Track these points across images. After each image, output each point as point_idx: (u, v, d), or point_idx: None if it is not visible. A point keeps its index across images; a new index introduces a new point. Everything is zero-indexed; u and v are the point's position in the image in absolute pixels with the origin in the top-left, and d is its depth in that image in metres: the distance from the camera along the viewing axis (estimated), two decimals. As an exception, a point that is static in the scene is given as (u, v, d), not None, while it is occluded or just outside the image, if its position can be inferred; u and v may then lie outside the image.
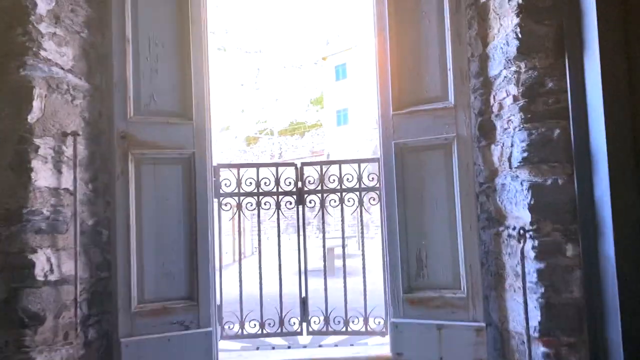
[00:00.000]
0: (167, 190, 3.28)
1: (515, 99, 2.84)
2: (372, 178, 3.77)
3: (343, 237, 3.97)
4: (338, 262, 9.26)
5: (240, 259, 3.89)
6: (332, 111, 30.67)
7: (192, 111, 3.34)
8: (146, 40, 3.27)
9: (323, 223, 3.87)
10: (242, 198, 3.83)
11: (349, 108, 29.64)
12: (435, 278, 3.19)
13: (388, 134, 3.34)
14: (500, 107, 3.01)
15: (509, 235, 2.94)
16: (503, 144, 2.98)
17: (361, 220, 3.88)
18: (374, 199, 3.79)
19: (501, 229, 3.03)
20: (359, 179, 3.81)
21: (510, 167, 2.89)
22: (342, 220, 3.93)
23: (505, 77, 2.93)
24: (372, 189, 3.77)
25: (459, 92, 3.16)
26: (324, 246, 3.98)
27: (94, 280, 3.12)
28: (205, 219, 3.32)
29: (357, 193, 3.82)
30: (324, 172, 3.88)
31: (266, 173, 3.92)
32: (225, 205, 3.80)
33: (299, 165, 3.94)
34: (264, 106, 52.46)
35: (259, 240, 3.89)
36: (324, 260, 3.97)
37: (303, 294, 3.84)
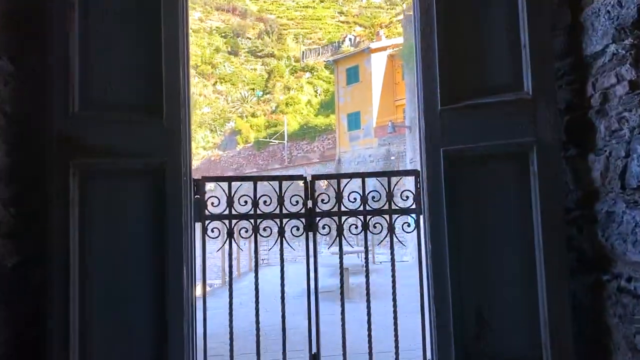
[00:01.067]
0: (127, 215, 2.35)
1: (633, 86, 1.88)
2: (407, 197, 2.81)
3: (367, 276, 3.01)
4: (352, 279, 8.30)
5: (230, 300, 2.94)
6: (344, 115, 29.74)
7: (163, 105, 2.41)
8: (99, 5, 2.36)
9: (341, 256, 2.92)
10: (234, 222, 2.89)
11: (361, 112, 28.68)
12: (503, 344, 2.22)
13: (433, 138, 2.38)
14: (605, 99, 2.05)
15: (620, 289, 1.97)
16: (610, 153, 2.02)
17: (392, 253, 2.92)
18: (408, 224, 2.84)
19: (605, 277, 2.07)
20: (390, 197, 2.84)
21: (623, 188, 1.93)
22: (366, 253, 2.98)
23: (613, 54, 1.98)
24: (408, 211, 2.81)
25: (539, 77, 2.19)
26: (342, 294, 3.01)
27: (19, 342, 2.20)
28: (179, 253, 2.38)
29: (387, 216, 2.86)
30: (341, 188, 2.93)
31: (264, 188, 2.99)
32: (213, 231, 2.86)
33: (309, 179, 2.99)
34: (274, 110, 51.65)
35: (256, 276, 2.95)
36: (342, 313, 3.00)
37: (314, 349, 2.90)
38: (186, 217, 2.48)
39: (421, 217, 2.66)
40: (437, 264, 2.32)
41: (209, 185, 2.98)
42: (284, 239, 2.91)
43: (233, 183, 2.94)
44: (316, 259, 2.91)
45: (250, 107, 54.90)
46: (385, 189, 2.86)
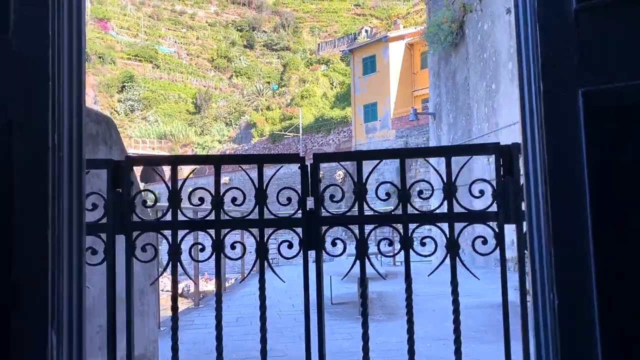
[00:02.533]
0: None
1: None
2: (481, 193, 1.58)
3: (410, 311, 1.79)
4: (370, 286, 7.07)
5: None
6: (360, 106, 28.46)
7: (10, 9, 1.21)
8: None
9: (364, 295, 1.71)
10: (181, 234, 1.69)
11: (378, 102, 27.38)
12: None
13: (559, 69, 1.15)
14: None
15: None
16: None
17: (454, 284, 1.69)
18: (484, 241, 1.61)
19: None
20: (450, 193, 1.61)
21: None
22: (409, 285, 1.75)
23: None
24: (485, 217, 1.58)
25: None
26: (365, 354, 1.78)
27: None
28: (37, 304, 1.19)
29: (444, 225, 1.63)
30: (364, 176, 1.72)
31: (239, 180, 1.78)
32: (144, 250, 1.66)
33: (308, 162, 1.77)
34: (289, 103, 50.54)
35: (218, 329, 1.74)
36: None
37: None
38: (74, 228, 1.29)
39: (511, 227, 1.45)
40: (572, 335, 1.09)
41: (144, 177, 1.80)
42: (265, 262, 1.70)
43: (182, 168, 1.73)
44: (321, 296, 1.70)
45: (266, 100, 53.83)
46: (441, 178, 1.63)
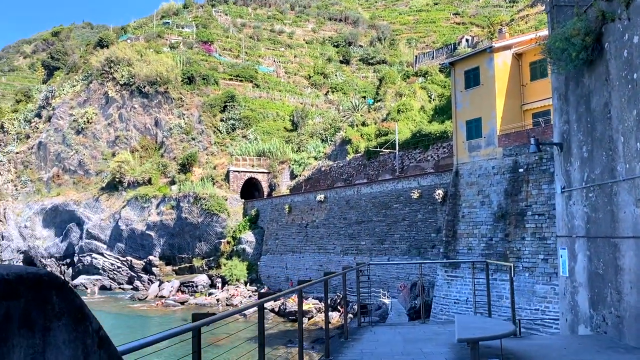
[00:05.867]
0: None
1: None
2: None
3: None
4: None
5: None
6: (462, 122, 26.60)
7: None
8: None
9: None
10: None
11: (483, 118, 25.38)
12: None
13: None
14: None
15: None
16: None
17: None
18: None
19: None
20: None
21: None
22: None
23: None
24: None
25: None
26: None
27: None
28: None
29: None
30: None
31: None
32: None
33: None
34: (385, 118, 49.34)
35: None
36: None
37: None
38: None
39: None
40: None
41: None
42: None
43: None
44: None
45: (361, 115, 53.11)
46: None
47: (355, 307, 16.76)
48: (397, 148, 40.35)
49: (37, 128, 65.94)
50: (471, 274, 18.97)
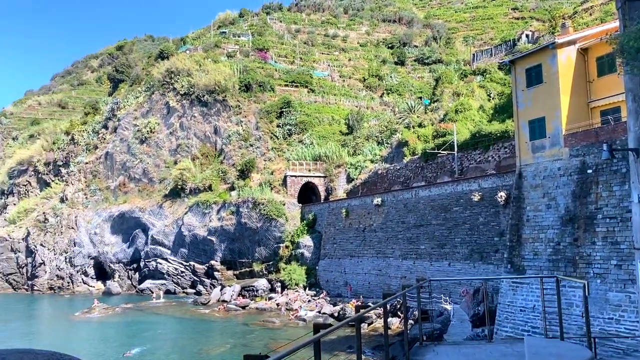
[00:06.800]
0: None
1: None
2: None
3: None
4: None
5: None
6: (524, 122, 25.58)
7: None
8: None
9: None
10: None
11: (546, 117, 24.30)
12: None
13: None
14: None
15: None
16: None
17: None
18: None
19: None
20: None
21: None
22: None
23: None
24: None
25: None
26: None
27: None
28: None
29: None
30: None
31: None
32: None
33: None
34: (442, 118, 48.33)
35: None
36: None
37: None
38: None
39: None
40: None
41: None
42: None
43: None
44: None
45: (417, 116, 52.26)
46: None
47: (416, 312, 16.43)
48: (455, 149, 39.37)
49: (104, 139, 69.33)
50: (539, 287, 18.15)
